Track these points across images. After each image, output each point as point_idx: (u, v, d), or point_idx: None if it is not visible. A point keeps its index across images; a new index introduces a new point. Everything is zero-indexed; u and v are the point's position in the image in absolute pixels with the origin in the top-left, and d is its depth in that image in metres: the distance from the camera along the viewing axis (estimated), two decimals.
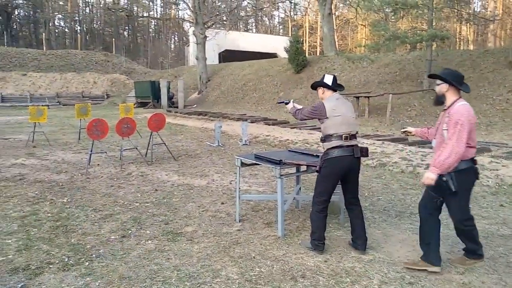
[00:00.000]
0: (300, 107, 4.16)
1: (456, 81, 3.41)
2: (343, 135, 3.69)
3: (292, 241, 4.14)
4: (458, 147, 3.22)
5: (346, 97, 8.36)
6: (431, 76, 3.78)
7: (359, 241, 3.85)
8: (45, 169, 7.73)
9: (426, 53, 16.94)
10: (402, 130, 4.14)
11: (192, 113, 21.05)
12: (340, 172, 3.75)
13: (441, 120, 3.50)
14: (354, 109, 4.15)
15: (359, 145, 3.88)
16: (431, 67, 16.01)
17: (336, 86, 3.94)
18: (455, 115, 3.28)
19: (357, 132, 3.87)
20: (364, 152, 3.81)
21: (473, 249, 3.58)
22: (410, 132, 4.06)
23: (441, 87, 3.46)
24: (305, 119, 4.03)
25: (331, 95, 3.90)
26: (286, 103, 4.31)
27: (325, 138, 3.79)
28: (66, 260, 3.67)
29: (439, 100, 3.52)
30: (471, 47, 39.83)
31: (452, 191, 3.32)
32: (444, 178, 3.35)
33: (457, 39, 41.31)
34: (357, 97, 16.28)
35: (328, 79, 3.92)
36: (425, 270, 3.43)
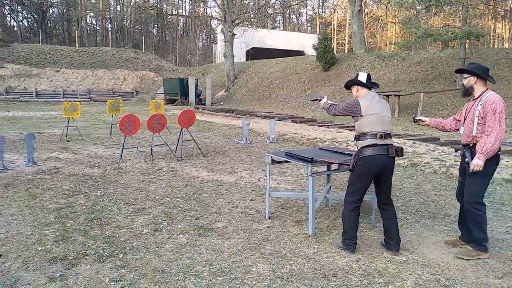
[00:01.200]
0: (333, 103, 4.12)
1: (483, 73, 3.70)
2: (378, 134, 3.63)
3: (322, 239, 4.11)
4: (501, 133, 3.51)
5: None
6: (458, 71, 4.18)
7: (392, 242, 3.78)
8: (79, 163, 7.95)
9: (459, 51, 16.48)
10: (416, 118, 4.23)
11: (219, 110, 21.21)
12: (374, 171, 3.69)
13: (470, 109, 3.76)
14: None
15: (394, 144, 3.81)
16: (464, 66, 15.55)
17: (370, 84, 3.88)
18: (492, 103, 3.54)
19: None
20: (399, 151, 3.73)
21: (478, 238, 3.71)
22: (423, 122, 4.22)
23: (469, 80, 3.76)
24: (338, 115, 3.98)
25: (366, 93, 3.84)
26: (320, 100, 4.28)
27: (359, 136, 3.74)
28: (101, 251, 3.77)
29: (468, 92, 3.83)
30: (506, 45, 38.49)
31: (471, 172, 3.62)
32: (466, 160, 3.69)
33: (492, 37, 39.99)
34: (387, 96, 15.99)
35: (362, 77, 3.87)
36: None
